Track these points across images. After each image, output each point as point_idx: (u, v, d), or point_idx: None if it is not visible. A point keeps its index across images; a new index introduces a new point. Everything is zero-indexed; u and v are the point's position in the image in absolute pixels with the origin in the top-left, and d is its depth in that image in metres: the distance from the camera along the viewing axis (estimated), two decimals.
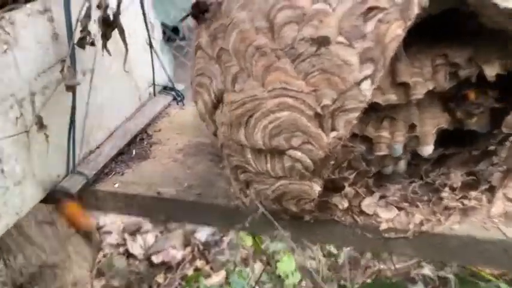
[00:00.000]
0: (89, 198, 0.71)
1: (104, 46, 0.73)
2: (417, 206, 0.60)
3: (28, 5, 0.66)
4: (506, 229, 0.56)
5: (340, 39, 0.42)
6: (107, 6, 0.69)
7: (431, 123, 0.54)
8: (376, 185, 0.65)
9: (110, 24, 0.71)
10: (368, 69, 0.42)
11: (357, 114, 0.44)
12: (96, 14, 0.71)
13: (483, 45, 0.50)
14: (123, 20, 0.85)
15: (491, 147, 0.59)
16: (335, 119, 0.45)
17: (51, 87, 0.68)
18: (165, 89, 0.96)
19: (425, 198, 0.61)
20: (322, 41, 0.42)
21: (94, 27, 0.72)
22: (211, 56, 0.51)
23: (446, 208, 0.58)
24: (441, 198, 0.60)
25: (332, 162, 0.50)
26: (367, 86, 0.43)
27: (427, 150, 0.55)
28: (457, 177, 0.61)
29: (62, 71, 0.64)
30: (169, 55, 1.63)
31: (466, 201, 0.59)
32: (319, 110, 0.45)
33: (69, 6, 0.65)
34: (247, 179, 0.57)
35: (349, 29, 0.42)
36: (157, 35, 0.98)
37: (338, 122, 0.45)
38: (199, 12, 0.52)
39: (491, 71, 0.50)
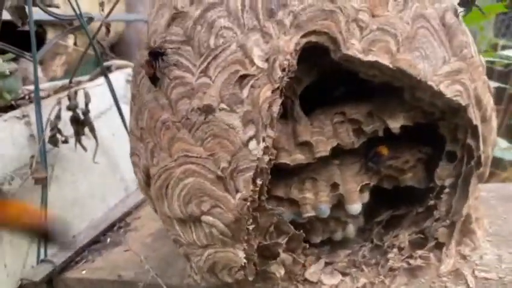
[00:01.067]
0: (58, 285, 0.74)
1: (78, 142, 0.81)
2: (363, 270, 0.58)
3: (8, 113, 0.76)
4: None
5: (223, 106, 0.46)
6: (75, 107, 0.78)
7: (354, 181, 0.54)
8: (329, 252, 0.64)
9: (80, 123, 0.79)
10: (251, 130, 0.45)
11: (251, 173, 0.46)
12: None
13: (384, 101, 0.52)
14: (107, 119, 0.95)
15: (431, 202, 0.57)
16: (235, 180, 0.47)
17: (26, 182, 0.75)
18: None
19: (373, 261, 0.59)
20: (207, 110, 0.46)
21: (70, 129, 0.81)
22: (138, 136, 0.56)
23: (391, 269, 0.56)
24: (388, 260, 0.57)
25: (251, 225, 0.50)
26: (254, 146, 0.45)
27: (355, 208, 0.55)
28: (405, 237, 0.59)
29: (30, 166, 0.71)
30: None
31: (412, 261, 0.56)
32: (219, 172, 0.47)
33: (40, 109, 0.74)
34: (184, 252, 0.58)
35: (228, 96, 0.45)
36: None
37: (238, 183, 0.47)
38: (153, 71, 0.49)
39: (394, 124, 0.51)
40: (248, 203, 0.48)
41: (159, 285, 0.66)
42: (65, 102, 0.78)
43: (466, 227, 0.58)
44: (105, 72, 0.86)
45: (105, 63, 0.96)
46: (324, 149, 0.50)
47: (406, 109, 0.52)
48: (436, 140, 0.57)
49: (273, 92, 0.44)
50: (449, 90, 0.48)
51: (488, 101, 0.52)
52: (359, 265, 0.59)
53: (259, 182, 0.48)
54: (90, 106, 0.81)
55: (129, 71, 1.04)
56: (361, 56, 0.44)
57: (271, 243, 0.54)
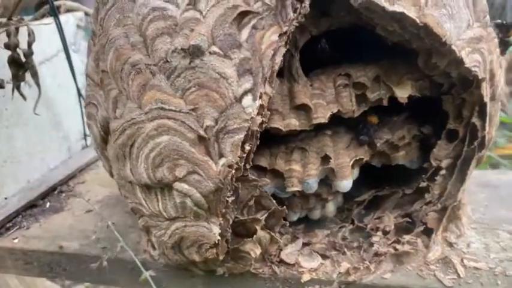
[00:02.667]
0: None
1: (16, 88, 0.68)
2: (344, 253, 0.52)
3: None
4: (444, 277, 0.48)
5: (215, 49, 0.37)
6: (16, 46, 0.65)
7: (347, 155, 0.48)
8: (304, 231, 0.58)
9: (21, 65, 0.67)
10: (247, 83, 0.37)
11: (242, 135, 0.38)
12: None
13: (394, 66, 0.46)
14: (53, 67, 0.82)
15: (423, 184, 0.53)
16: (220, 143, 0.39)
17: None
18: None
19: (355, 244, 0.54)
20: (195, 51, 0.37)
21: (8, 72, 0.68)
22: (96, 81, 0.46)
23: (377, 254, 0.51)
24: (372, 244, 0.52)
25: (230, 197, 0.43)
26: (249, 102, 0.37)
27: (345, 185, 0.49)
28: (390, 220, 0.55)
29: None
30: None
31: (399, 246, 0.51)
32: (202, 132, 0.39)
33: None
34: (145, 224, 0.50)
35: (223, 37, 0.37)
36: None
37: (224, 146, 0.39)
38: None
39: (403, 93, 0.45)
40: (233, 171, 0.40)
41: (108, 259, 0.57)
42: (3, 40, 0.65)
43: (454, 212, 0.54)
44: (55, 10, 0.73)
45: (55, 2, 0.82)
46: (322, 115, 0.43)
47: (415, 78, 0.46)
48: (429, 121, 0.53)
49: (279, 36, 0.36)
50: (469, 59, 0.42)
51: (500, 78, 0.48)
52: (340, 248, 0.53)
53: (247, 147, 0.40)
54: (33, 48, 0.68)
55: (81, 15, 0.91)
56: (386, 4, 0.37)
57: (249, 219, 0.47)
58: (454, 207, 0.53)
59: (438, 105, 0.50)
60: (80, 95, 0.85)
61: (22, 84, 0.70)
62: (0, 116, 0.70)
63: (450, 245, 0.53)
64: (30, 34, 0.66)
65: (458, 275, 0.48)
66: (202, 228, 0.45)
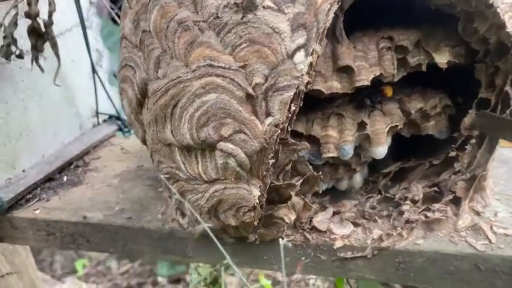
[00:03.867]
0: (4, 227, 0.61)
1: (35, 60, 0.67)
2: (375, 221, 0.53)
3: None
4: (476, 242, 0.49)
5: (268, 3, 0.37)
6: (36, 15, 0.63)
7: (383, 121, 0.49)
8: (331, 202, 0.58)
9: (40, 35, 0.65)
10: (301, 38, 0.37)
11: (292, 93, 0.38)
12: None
13: (431, 32, 0.47)
14: (66, 42, 0.80)
15: (452, 154, 0.53)
16: (269, 101, 0.39)
17: None
18: (110, 118, 0.89)
19: (385, 213, 0.54)
20: (248, 6, 0.37)
21: (26, 43, 0.67)
22: (135, 43, 0.46)
23: (408, 221, 0.51)
24: (402, 212, 0.53)
25: (271, 160, 0.43)
26: (301, 58, 0.38)
27: (380, 151, 0.49)
28: (419, 190, 0.55)
29: None
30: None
31: (429, 214, 0.52)
32: (250, 90, 0.39)
33: None
34: (179, 189, 0.49)
35: None
36: (106, 64, 0.93)
37: (272, 105, 0.39)
38: None
39: (441, 58, 0.45)
40: (279, 131, 0.40)
41: (134, 228, 0.57)
42: (23, 9, 0.64)
43: (480, 183, 0.55)
44: None
45: None
46: (366, 78, 0.44)
47: (451, 45, 0.47)
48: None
49: None
50: (510, 24, 0.43)
51: None
52: (369, 216, 0.54)
53: (293, 107, 0.40)
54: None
55: None
56: None
57: (285, 184, 0.47)
58: (480, 178, 0.54)
59: (467, 75, 0.51)
60: (94, 71, 0.83)
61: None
62: (16, 87, 0.69)
63: (477, 213, 0.54)
64: (51, 3, 0.65)
65: (490, 241, 0.49)
66: (242, 191, 0.44)
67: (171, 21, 0.40)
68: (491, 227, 0.51)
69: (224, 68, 0.39)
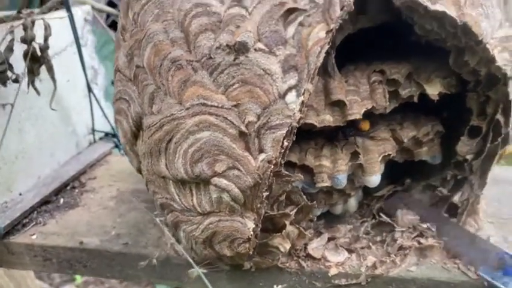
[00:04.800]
0: (1, 252, 0.62)
1: (31, 83, 0.67)
2: (369, 248, 0.53)
3: None
4: (468, 270, 0.50)
5: (260, 45, 0.37)
6: (32, 39, 0.64)
7: (376, 151, 0.49)
8: (325, 226, 0.59)
9: (36, 59, 0.66)
10: (292, 79, 0.38)
11: (284, 131, 0.39)
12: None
13: (422, 64, 0.47)
14: (61, 62, 0.81)
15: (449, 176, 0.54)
16: (262, 138, 0.40)
17: None
18: (107, 135, 0.89)
19: (379, 238, 0.55)
20: (240, 48, 0.37)
21: (21, 66, 0.67)
22: (129, 77, 0.46)
23: (401, 248, 0.52)
24: (396, 239, 0.53)
25: (265, 192, 0.43)
26: (292, 98, 0.38)
27: (374, 180, 0.50)
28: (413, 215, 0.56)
29: None
30: None
31: (422, 240, 0.52)
32: (243, 128, 0.39)
33: None
34: (174, 219, 0.50)
35: (268, 34, 0.37)
36: (101, 81, 0.93)
37: (265, 142, 0.40)
38: None
39: (433, 90, 0.46)
40: (272, 167, 0.41)
41: (131, 254, 0.57)
42: (18, 33, 0.64)
43: (473, 207, 0.56)
44: (68, 3, 0.72)
45: None
46: (357, 111, 0.44)
47: (442, 76, 0.47)
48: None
49: (326, 33, 0.36)
50: (499, 57, 0.43)
51: None
52: (364, 242, 0.54)
53: (286, 143, 0.41)
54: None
55: (88, 9, 0.90)
56: (428, 4, 0.37)
57: (279, 214, 0.48)
58: (473, 202, 0.55)
59: (458, 102, 0.51)
60: (89, 89, 0.84)
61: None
62: (12, 110, 0.69)
63: None
64: (47, 28, 0.66)
65: None
66: (236, 223, 0.45)
67: (165, 60, 0.41)
68: None
69: (217, 106, 0.39)
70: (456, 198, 0.54)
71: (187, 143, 0.41)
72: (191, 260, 0.44)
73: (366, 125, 0.51)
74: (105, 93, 0.94)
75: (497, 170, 0.72)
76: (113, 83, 1.11)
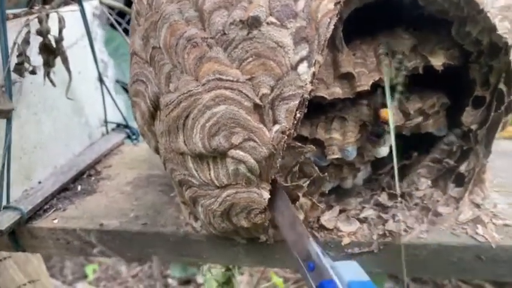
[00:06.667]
0: (24, 237, 0.64)
1: (47, 75, 0.69)
2: (380, 217, 0.55)
3: None
4: (477, 234, 0.52)
5: (272, 19, 0.39)
6: (47, 32, 0.66)
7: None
8: (336, 200, 0.61)
9: (51, 51, 0.68)
10: (303, 50, 0.40)
11: (297, 102, 0.41)
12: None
13: (425, 38, 0.49)
14: (72, 55, 0.83)
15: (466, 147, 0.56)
16: (275, 110, 0.42)
17: None
18: (119, 126, 0.91)
19: (389, 209, 0.57)
20: (253, 23, 0.39)
21: (38, 59, 0.70)
22: (145, 59, 0.48)
23: (412, 216, 0.54)
24: (405, 208, 0.55)
25: (278, 162, 0.45)
26: (304, 69, 0.40)
27: (383, 151, 0.52)
28: (422, 185, 0.58)
29: None
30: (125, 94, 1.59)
31: (431, 207, 0.54)
32: (257, 100, 0.42)
33: (5, 30, 0.62)
34: (192, 195, 0.52)
35: (279, 8, 0.39)
36: (111, 73, 0.95)
37: (279, 113, 0.42)
38: None
39: (437, 61, 0.48)
40: (285, 137, 0.43)
41: (150, 233, 0.60)
42: (33, 28, 0.66)
43: (479, 176, 0.57)
44: None
45: None
46: (366, 83, 0.46)
47: (446, 47, 0.49)
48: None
49: (335, 5, 0.38)
50: (500, 27, 0.45)
51: None
52: (374, 213, 0.56)
53: (298, 114, 0.43)
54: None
55: (96, 3, 0.92)
56: None
57: (292, 186, 0.50)
58: (479, 171, 0.57)
59: (460, 77, 0.53)
60: (101, 81, 0.86)
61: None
62: (29, 102, 0.71)
63: (477, 206, 0.56)
64: (61, 20, 0.68)
65: (491, 232, 0.52)
66: (253, 194, 0.47)
67: (181, 39, 0.43)
68: (490, 218, 0.54)
69: (232, 80, 0.41)
70: (462, 168, 0.56)
71: (205, 118, 0.43)
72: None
73: (386, 114, 0.52)
74: (114, 86, 0.96)
75: (504, 144, 0.74)
76: (117, 81, 1.13)
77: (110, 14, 1.09)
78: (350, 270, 0.39)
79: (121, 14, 1.32)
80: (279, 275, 1.42)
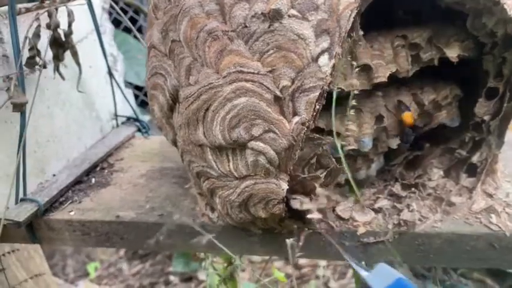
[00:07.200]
0: (41, 229, 0.65)
1: (56, 69, 0.70)
2: (394, 207, 0.56)
3: None
4: (490, 223, 0.52)
5: (293, 12, 0.40)
6: (57, 26, 0.66)
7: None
8: (350, 191, 0.61)
9: (61, 45, 0.68)
10: (324, 42, 0.40)
11: (317, 93, 0.42)
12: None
13: (440, 30, 0.50)
14: (83, 49, 0.83)
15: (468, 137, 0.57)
16: (295, 102, 0.42)
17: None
18: (129, 120, 0.92)
19: (403, 199, 0.58)
20: (275, 15, 0.40)
21: (49, 54, 0.70)
22: (164, 52, 0.49)
23: (425, 206, 0.55)
24: (419, 198, 0.56)
25: (297, 153, 0.46)
26: (325, 61, 0.41)
27: (397, 141, 0.52)
28: (435, 176, 0.59)
29: (8, 89, 0.60)
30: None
31: (445, 198, 0.55)
32: (278, 92, 0.42)
33: (16, 25, 0.62)
34: (210, 186, 0.53)
35: (301, 0, 0.40)
36: (120, 67, 0.96)
37: (299, 105, 0.42)
38: None
39: (452, 53, 0.49)
40: (305, 129, 0.44)
41: (166, 225, 0.60)
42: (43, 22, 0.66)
43: (492, 166, 0.58)
44: None
45: None
46: (383, 75, 0.47)
47: (461, 39, 0.50)
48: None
49: None
50: None
51: None
52: (388, 203, 0.57)
53: (317, 106, 0.43)
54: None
55: None
56: None
57: (310, 177, 0.51)
58: (491, 161, 0.57)
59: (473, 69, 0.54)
60: (111, 75, 0.86)
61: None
62: (42, 96, 0.72)
63: (490, 196, 0.57)
64: (70, 14, 0.68)
65: (504, 221, 0.52)
66: (271, 185, 0.48)
67: (201, 32, 0.43)
68: (503, 208, 0.55)
69: (253, 73, 0.42)
70: (475, 159, 0.57)
71: (225, 110, 0.44)
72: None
73: (409, 118, 0.53)
74: (124, 81, 0.97)
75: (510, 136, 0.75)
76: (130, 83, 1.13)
77: (109, 13, 1.09)
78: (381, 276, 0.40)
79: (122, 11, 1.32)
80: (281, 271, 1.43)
